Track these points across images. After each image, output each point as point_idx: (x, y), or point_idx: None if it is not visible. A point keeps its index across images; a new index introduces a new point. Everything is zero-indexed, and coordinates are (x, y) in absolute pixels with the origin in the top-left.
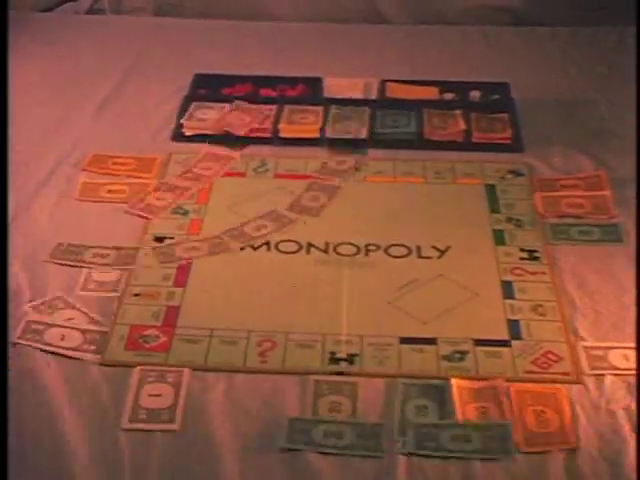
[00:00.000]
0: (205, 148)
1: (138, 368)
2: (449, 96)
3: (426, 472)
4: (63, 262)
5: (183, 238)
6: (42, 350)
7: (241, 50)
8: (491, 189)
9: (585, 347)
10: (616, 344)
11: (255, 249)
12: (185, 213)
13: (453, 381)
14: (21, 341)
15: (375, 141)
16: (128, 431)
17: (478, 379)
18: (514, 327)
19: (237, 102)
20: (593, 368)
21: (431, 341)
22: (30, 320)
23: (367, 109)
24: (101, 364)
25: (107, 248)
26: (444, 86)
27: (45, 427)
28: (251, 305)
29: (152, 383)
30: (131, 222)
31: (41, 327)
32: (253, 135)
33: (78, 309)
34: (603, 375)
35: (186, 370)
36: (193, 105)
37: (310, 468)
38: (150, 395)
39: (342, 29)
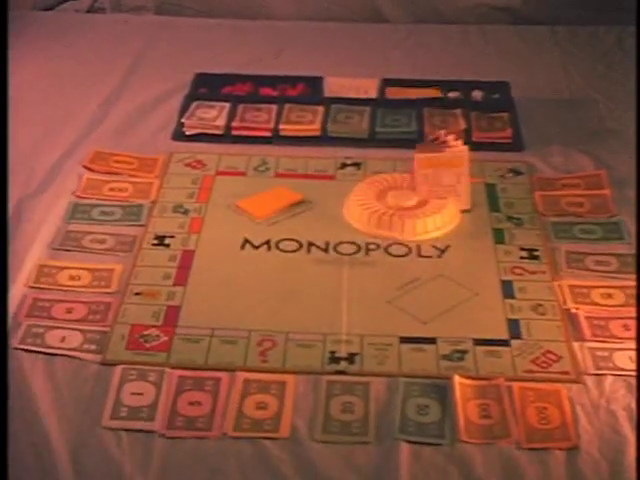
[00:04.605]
0: None
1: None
2: (452, 95)
3: (427, 469)
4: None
5: None
6: (43, 353)
7: (241, 49)
8: (491, 188)
9: (590, 348)
10: (622, 345)
11: (256, 248)
12: (185, 212)
13: (455, 378)
14: (22, 346)
15: (375, 140)
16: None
17: (478, 379)
18: (514, 326)
19: (240, 113)
20: (598, 369)
21: (431, 341)
22: (30, 324)
23: (367, 108)
24: (102, 364)
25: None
26: (445, 86)
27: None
28: (251, 304)
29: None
30: None
31: (41, 330)
32: (253, 134)
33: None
34: (603, 375)
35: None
36: (194, 104)
37: (312, 457)
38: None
39: (342, 28)
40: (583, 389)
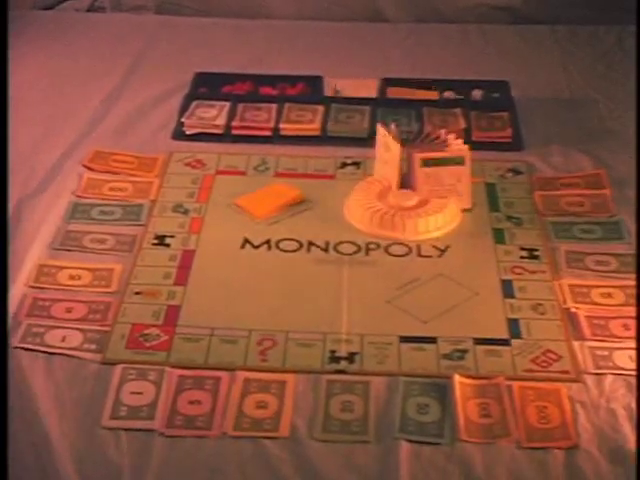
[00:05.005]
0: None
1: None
2: (451, 95)
3: (426, 468)
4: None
5: None
6: (43, 352)
7: (241, 48)
8: (491, 187)
9: (590, 347)
10: (621, 345)
11: (256, 247)
12: (185, 211)
13: (455, 377)
14: (22, 345)
15: (375, 140)
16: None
17: (478, 378)
18: (514, 326)
19: (240, 113)
20: (598, 368)
21: (431, 340)
22: (30, 323)
23: (368, 108)
24: (102, 363)
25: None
26: (445, 85)
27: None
28: (252, 304)
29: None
30: None
31: (41, 329)
32: (253, 134)
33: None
34: (603, 374)
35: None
36: (194, 104)
37: (311, 456)
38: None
39: (342, 28)
40: (583, 388)
